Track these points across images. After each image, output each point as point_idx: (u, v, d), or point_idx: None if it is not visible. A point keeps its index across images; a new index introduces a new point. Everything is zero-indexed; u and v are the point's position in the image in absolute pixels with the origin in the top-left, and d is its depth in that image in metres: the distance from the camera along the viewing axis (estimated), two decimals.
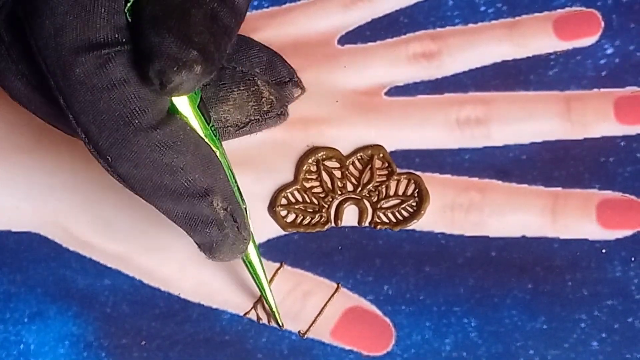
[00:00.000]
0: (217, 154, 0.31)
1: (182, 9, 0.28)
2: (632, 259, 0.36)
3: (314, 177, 0.38)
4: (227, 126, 0.36)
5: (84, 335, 0.36)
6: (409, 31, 0.40)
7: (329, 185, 0.38)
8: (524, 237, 0.37)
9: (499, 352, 0.35)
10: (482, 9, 0.40)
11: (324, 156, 0.38)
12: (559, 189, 0.37)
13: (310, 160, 0.38)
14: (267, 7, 0.41)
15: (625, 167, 0.37)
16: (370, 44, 0.40)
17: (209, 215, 0.31)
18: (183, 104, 0.30)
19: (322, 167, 0.38)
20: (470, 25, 0.40)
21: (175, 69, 0.27)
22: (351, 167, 0.38)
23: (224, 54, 0.29)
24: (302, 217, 0.38)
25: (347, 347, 0.36)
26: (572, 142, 0.38)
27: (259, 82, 0.36)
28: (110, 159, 0.29)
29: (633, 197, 0.37)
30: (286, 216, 0.38)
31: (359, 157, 0.38)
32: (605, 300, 0.36)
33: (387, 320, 0.36)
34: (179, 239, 0.37)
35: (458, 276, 0.36)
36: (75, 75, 0.28)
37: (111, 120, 0.28)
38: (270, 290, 0.35)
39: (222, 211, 0.31)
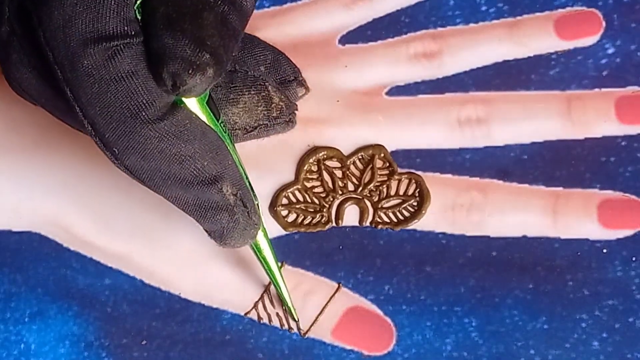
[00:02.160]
0: (230, 150, 0.31)
1: (195, 12, 0.28)
2: (633, 258, 0.36)
3: (314, 176, 0.38)
4: (236, 129, 0.36)
5: (84, 334, 0.36)
6: (410, 31, 0.40)
7: (330, 185, 0.38)
8: (524, 237, 0.37)
9: (500, 352, 0.35)
10: (483, 8, 0.40)
11: (325, 156, 0.38)
12: (560, 188, 0.37)
13: (311, 160, 0.38)
14: (268, 6, 0.41)
15: (626, 166, 0.37)
16: (371, 43, 0.40)
17: (219, 202, 0.31)
18: (191, 100, 0.30)
19: (323, 167, 0.38)
20: (471, 25, 0.40)
21: (190, 71, 0.28)
22: (352, 167, 0.38)
23: (232, 56, 0.30)
24: (303, 217, 0.38)
25: (348, 347, 0.36)
26: (573, 142, 0.38)
27: (269, 88, 0.36)
28: (117, 151, 0.29)
29: (634, 197, 0.37)
30: (287, 216, 0.38)
31: (360, 157, 0.38)
32: (606, 300, 0.36)
33: (388, 320, 0.36)
34: (180, 239, 0.37)
35: (459, 276, 0.36)
36: (83, 67, 0.28)
37: (118, 113, 0.28)
38: (283, 279, 0.35)
39: (232, 197, 0.31)
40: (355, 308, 0.36)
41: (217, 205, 0.31)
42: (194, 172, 0.30)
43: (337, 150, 0.38)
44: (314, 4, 0.41)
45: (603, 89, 0.39)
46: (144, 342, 0.36)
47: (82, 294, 0.37)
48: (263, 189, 0.38)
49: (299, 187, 0.38)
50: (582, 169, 0.37)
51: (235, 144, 0.34)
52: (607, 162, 0.38)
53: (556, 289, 0.36)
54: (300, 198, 0.38)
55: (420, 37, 0.40)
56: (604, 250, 0.36)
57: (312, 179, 0.38)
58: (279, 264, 0.35)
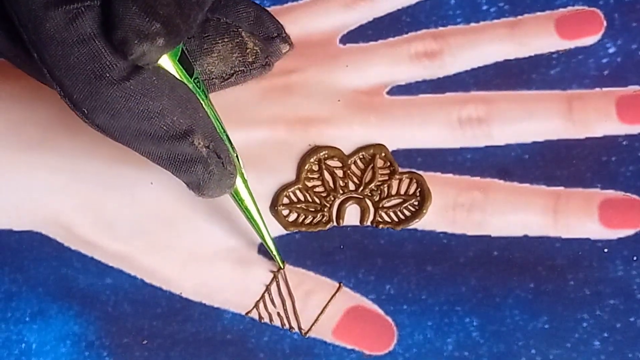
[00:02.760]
0: (203, 105, 0.32)
1: None
2: (634, 258, 0.36)
3: (315, 176, 0.38)
4: (212, 78, 0.36)
5: (85, 334, 0.36)
6: (411, 30, 0.40)
7: (331, 184, 0.38)
8: (525, 236, 0.37)
9: (501, 352, 0.35)
10: (484, 8, 0.40)
11: (326, 155, 0.38)
12: (561, 188, 0.37)
13: (312, 160, 0.38)
14: (269, 6, 0.41)
15: (627, 166, 0.37)
16: (372, 43, 0.40)
17: (192, 154, 0.31)
18: (162, 58, 0.30)
19: (324, 167, 0.38)
20: (472, 24, 0.40)
21: (136, 41, 0.28)
22: (353, 167, 0.38)
23: (194, 24, 0.30)
24: (304, 217, 0.38)
25: (349, 347, 0.36)
26: (574, 142, 0.38)
27: (243, 34, 0.36)
28: (86, 111, 0.30)
29: (635, 196, 0.37)
30: (288, 215, 0.38)
31: (361, 157, 0.38)
32: (607, 299, 0.36)
33: (389, 319, 0.36)
34: (181, 239, 0.37)
35: (460, 275, 0.36)
36: (45, 29, 0.28)
37: (83, 74, 0.29)
38: (266, 227, 0.35)
39: (204, 149, 0.31)
40: (356, 307, 0.36)
41: (191, 158, 0.31)
42: (164, 127, 0.30)
43: (338, 149, 0.38)
44: (315, 4, 0.41)
45: (604, 89, 0.39)
46: (144, 342, 0.36)
47: (83, 294, 0.37)
48: (264, 189, 0.38)
49: (300, 186, 0.38)
50: (583, 168, 0.37)
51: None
52: (608, 161, 0.38)
53: (557, 288, 0.36)
54: (301, 197, 0.38)
55: (421, 36, 0.40)
56: (605, 250, 0.36)
57: (313, 178, 0.38)
58: (260, 212, 0.35)
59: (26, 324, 0.37)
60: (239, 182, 0.34)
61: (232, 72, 0.36)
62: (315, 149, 0.38)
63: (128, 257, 0.37)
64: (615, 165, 0.37)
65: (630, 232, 0.37)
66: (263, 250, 0.37)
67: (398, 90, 0.39)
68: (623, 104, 0.38)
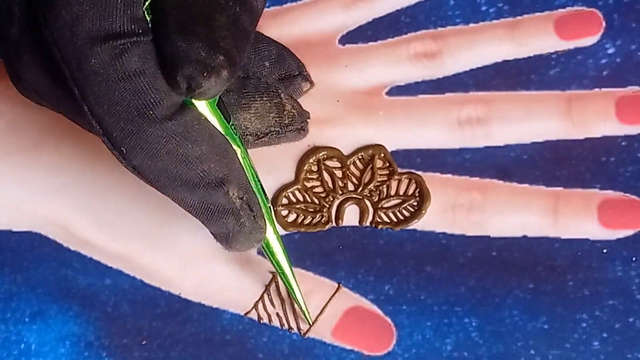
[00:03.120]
0: (238, 152, 0.31)
1: (207, 14, 0.28)
2: (633, 258, 0.36)
3: (315, 176, 0.38)
4: (247, 134, 0.36)
5: (84, 334, 0.36)
6: (410, 31, 0.40)
7: (330, 184, 0.38)
8: (525, 237, 0.37)
9: (500, 352, 0.35)
10: (483, 8, 0.40)
11: (325, 156, 0.38)
12: (560, 188, 0.37)
13: (311, 160, 0.38)
14: (269, 6, 0.41)
15: (626, 166, 0.37)
16: (371, 43, 0.40)
17: (225, 205, 0.31)
18: (201, 102, 0.30)
19: (323, 167, 0.38)
20: (472, 24, 0.40)
21: (205, 74, 0.28)
22: (352, 167, 0.38)
23: (244, 57, 0.30)
24: (303, 217, 0.38)
25: (348, 347, 0.36)
26: (574, 142, 0.38)
27: (282, 95, 0.36)
28: (124, 151, 0.29)
29: (634, 197, 0.37)
30: (287, 216, 0.38)
31: (360, 157, 0.38)
32: (607, 300, 0.36)
33: (388, 320, 0.36)
34: (180, 239, 0.37)
35: (459, 276, 0.36)
36: (90, 65, 0.28)
37: (126, 112, 0.28)
38: (297, 281, 0.35)
39: (238, 200, 0.31)
40: (356, 308, 0.36)
41: (223, 209, 0.31)
42: (201, 173, 0.30)
43: (337, 150, 0.38)
44: (314, 4, 0.41)
45: (603, 89, 0.39)
46: (144, 342, 0.36)
47: (82, 294, 0.37)
48: None
49: (299, 187, 0.38)
50: (583, 169, 0.37)
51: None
52: (607, 162, 0.38)
53: (556, 289, 0.36)
54: (301, 198, 0.38)
55: (420, 37, 0.40)
56: (604, 250, 0.36)
57: (312, 178, 0.38)
58: (292, 267, 0.35)
59: (26, 324, 0.37)
60: (270, 234, 0.33)
61: (267, 131, 0.36)
62: (315, 150, 0.38)
63: (127, 257, 0.37)
64: (614, 166, 0.37)
65: (629, 232, 0.37)
66: (262, 250, 0.37)
67: (397, 90, 0.39)
68: (622, 105, 0.38)
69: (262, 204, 0.33)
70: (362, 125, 0.39)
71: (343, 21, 0.40)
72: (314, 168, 0.38)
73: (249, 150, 0.33)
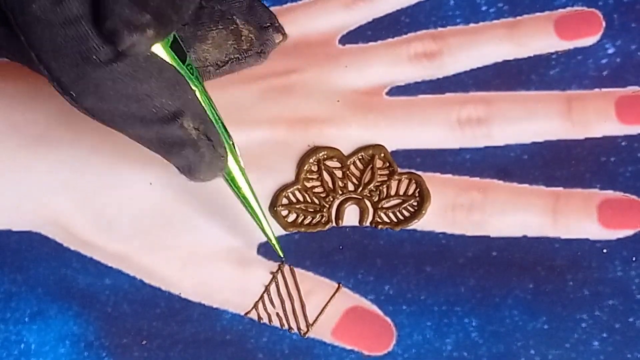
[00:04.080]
0: (197, 92, 0.31)
1: None
2: (633, 258, 0.36)
3: (315, 176, 0.38)
4: (207, 65, 0.36)
5: (84, 334, 0.36)
6: (410, 31, 0.40)
7: (330, 185, 0.38)
8: (525, 237, 0.37)
9: (500, 352, 0.35)
10: (484, 8, 0.40)
11: (325, 156, 0.38)
12: (560, 188, 0.37)
13: (311, 160, 0.38)
14: (269, 6, 0.41)
15: (626, 166, 0.37)
16: (371, 43, 0.40)
17: (182, 136, 0.31)
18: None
19: (323, 167, 0.38)
20: (472, 25, 0.40)
21: (126, 32, 0.28)
22: (352, 167, 0.38)
23: (186, 14, 0.29)
24: (303, 217, 0.38)
25: (348, 347, 0.36)
26: (574, 142, 0.38)
27: (237, 21, 0.36)
28: (74, 95, 0.29)
29: (634, 197, 0.37)
30: (287, 216, 0.38)
31: (360, 157, 0.38)
32: (606, 300, 0.36)
33: (388, 320, 0.36)
34: (180, 239, 0.37)
35: (459, 276, 0.36)
36: (31, 11, 0.28)
37: (70, 57, 0.28)
38: (265, 215, 0.35)
39: (194, 131, 0.31)
40: (356, 308, 0.36)
41: (181, 140, 0.31)
42: (153, 109, 0.30)
43: (337, 150, 0.38)
44: (314, 4, 0.41)
45: (603, 89, 0.39)
46: (144, 342, 0.36)
47: (82, 294, 0.37)
48: (263, 189, 0.38)
49: (299, 187, 0.38)
50: (582, 169, 0.37)
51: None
52: (607, 162, 0.38)
53: (556, 289, 0.36)
54: (301, 198, 0.38)
55: (420, 37, 0.40)
56: (604, 250, 0.36)
57: (312, 179, 0.38)
58: (257, 199, 0.35)
59: (25, 324, 0.37)
60: (236, 170, 0.34)
61: (226, 59, 0.36)
62: (315, 150, 0.38)
63: (127, 257, 0.37)
64: (614, 166, 0.37)
65: (629, 232, 0.37)
66: (262, 250, 0.37)
67: (397, 90, 0.39)
68: (622, 105, 0.38)
69: (221, 136, 0.32)
70: (362, 126, 0.39)
71: (343, 21, 0.40)
72: (314, 168, 0.38)
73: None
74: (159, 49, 0.30)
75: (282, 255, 0.36)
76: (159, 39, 0.28)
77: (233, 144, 0.34)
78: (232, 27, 0.36)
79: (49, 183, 0.38)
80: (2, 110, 0.39)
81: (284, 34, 0.38)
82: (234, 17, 0.36)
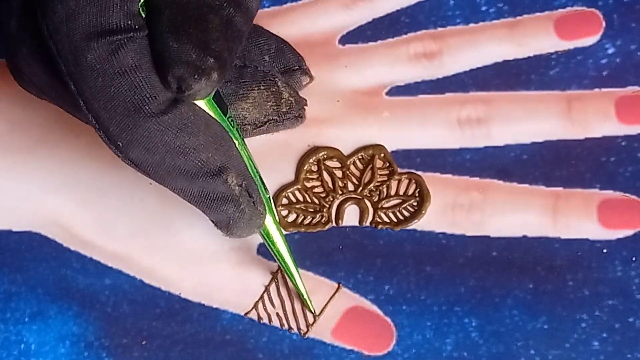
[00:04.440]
0: (236, 143, 0.32)
1: (200, 15, 0.29)
2: (633, 258, 0.36)
3: (314, 176, 0.38)
4: (245, 124, 0.36)
5: (84, 334, 0.36)
6: (410, 31, 0.40)
7: (330, 185, 0.38)
8: (525, 237, 0.37)
9: (500, 352, 0.35)
10: (483, 8, 0.40)
11: (325, 156, 0.38)
12: (560, 188, 0.37)
13: (311, 160, 0.38)
14: (268, 6, 0.41)
15: (626, 167, 0.37)
16: (371, 43, 0.40)
17: (224, 192, 0.31)
18: None
19: (323, 167, 0.38)
20: (471, 25, 0.40)
21: (195, 76, 0.28)
22: (352, 167, 0.38)
23: (235, 57, 0.30)
24: (303, 217, 0.38)
25: (348, 347, 0.36)
26: (573, 142, 0.38)
27: (279, 83, 0.36)
28: (121, 145, 0.29)
29: (634, 197, 0.37)
30: (287, 216, 0.38)
31: (360, 157, 0.38)
32: (606, 300, 0.36)
33: (388, 319, 0.36)
34: (180, 239, 0.37)
35: (459, 276, 0.36)
36: (86, 61, 0.28)
37: (122, 106, 0.29)
38: (297, 269, 0.35)
39: (237, 187, 0.31)
40: (356, 308, 0.36)
41: (223, 196, 0.31)
42: (199, 163, 0.30)
43: (337, 150, 0.38)
44: (314, 4, 0.41)
45: (603, 89, 0.39)
46: (144, 342, 0.36)
47: (82, 294, 0.37)
48: None
49: (299, 187, 0.38)
50: (582, 169, 0.37)
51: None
52: (607, 162, 0.38)
53: (556, 289, 0.36)
54: (300, 198, 0.38)
55: (420, 37, 0.40)
56: (604, 250, 0.36)
57: (312, 179, 0.38)
58: (292, 256, 0.35)
59: (25, 324, 0.37)
60: (271, 225, 0.34)
61: (265, 120, 0.37)
62: (315, 150, 0.38)
63: (127, 257, 0.37)
64: (614, 166, 0.37)
65: (629, 232, 0.37)
66: (262, 250, 0.37)
67: (397, 90, 0.39)
68: (622, 105, 0.38)
69: (260, 192, 0.33)
70: (362, 125, 0.39)
71: (343, 21, 0.40)
72: (314, 168, 0.38)
73: (248, 140, 0.34)
74: (202, 103, 0.31)
75: (314, 311, 0.36)
76: (221, 82, 0.29)
77: (269, 197, 0.34)
78: (274, 89, 0.36)
79: (48, 183, 0.38)
80: (2, 111, 0.39)
81: (311, 77, 0.38)
82: (276, 79, 0.36)
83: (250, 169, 0.32)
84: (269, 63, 0.37)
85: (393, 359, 0.36)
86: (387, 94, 0.39)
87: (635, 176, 0.37)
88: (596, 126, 0.38)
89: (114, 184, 0.38)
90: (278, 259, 0.35)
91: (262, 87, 0.36)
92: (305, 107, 0.38)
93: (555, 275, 0.36)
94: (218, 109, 0.31)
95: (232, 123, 0.32)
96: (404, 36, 0.40)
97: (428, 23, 0.40)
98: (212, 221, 0.33)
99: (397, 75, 0.39)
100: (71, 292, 0.37)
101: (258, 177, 0.33)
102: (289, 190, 0.38)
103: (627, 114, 0.38)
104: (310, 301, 0.36)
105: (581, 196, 0.37)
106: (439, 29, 0.40)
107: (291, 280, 0.35)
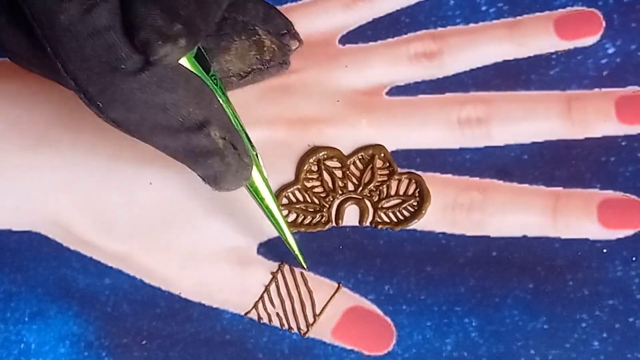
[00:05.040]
0: (220, 100, 0.31)
1: None
2: (633, 258, 0.36)
3: (315, 176, 0.38)
4: (230, 76, 0.36)
5: (84, 334, 0.36)
6: (410, 31, 0.40)
7: (330, 184, 0.38)
8: (525, 236, 0.37)
9: (500, 352, 0.35)
10: (483, 8, 0.40)
11: (325, 156, 0.38)
12: (560, 188, 0.37)
13: (311, 160, 0.38)
14: None
15: (626, 166, 0.37)
16: (371, 43, 0.40)
17: (208, 146, 0.31)
18: None
19: (323, 167, 0.38)
20: (472, 25, 0.40)
21: (159, 42, 0.28)
22: (352, 167, 0.38)
23: (212, 23, 0.30)
24: (303, 217, 0.38)
25: (348, 347, 0.36)
26: (573, 142, 0.38)
27: (260, 32, 0.36)
28: (101, 105, 0.29)
29: (634, 196, 0.37)
30: (287, 216, 0.38)
31: (360, 157, 0.38)
32: (606, 300, 0.36)
33: (388, 319, 0.36)
34: (180, 239, 0.37)
35: (459, 276, 0.36)
36: (60, 22, 0.28)
37: (98, 67, 0.29)
38: (286, 222, 0.35)
39: (220, 140, 0.31)
40: (356, 308, 0.36)
41: (207, 150, 0.31)
42: (180, 119, 0.30)
43: (337, 150, 0.38)
44: (314, 4, 0.41)
45: (603, 89, 0.39)
46: (144, 342, 0.36)
47: (82, 294, 0.37)
48: None
49: (299, 187, 0.38)
50: (582, 168, 0.37)
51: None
52: (607, 162, 0.38)
53: (556, 288, 0.36)
54: (300, 198, 0.38)
55: (420, 37, 0.40)
56: (604, 250, 0.36)
57: (312, 178, 0.38)
58: (281, 211, 0.35)
59: (25, 324, 0.37)
60: (259, 180, 0.34)
61: (249, 69, 0.37)
62: (315, 150, 0.38)
63: (127, 257, 0.37)
64: (614, 166, 0.37)
65: (629, 232, 0.37)
66: (262, 250, 0.37)
67: (397, 90, 0.39)
68: (622, 105, 0.38)
69: (246, 145, 0.33)
70: (362, 125, 0.39)
71: (343, 21, 0.40)
72: (314, 168, 0.38)
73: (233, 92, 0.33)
74: (184, 60, 0.31)
75: (305, 266, 0.36)
76: (190, 48, 0.29)
77: (256, 154, 0.34)
78: (255, 38, 0.36)
79: (48, 183, 0.38)
80: (2, 110, 0.39)
81: (300, 41, 0.38)
82: (256, 27, 0.36)
83: (234, 123, 0.32)
84: (249, 11, 0.37)
85: (393, 359, 0.36)
86: (387, 94, 0.39)
87: (635, 176, 0.37)
88: (596, 126, 0.38)
89: (114, 183, 0.38)
90: (266, 214, 0.35)
91: (244, 37, 0.36)
92: (289, 53, 0.37)
93: (555, 275, 0.36)
94: (200, 68, 0.31)
95: (215, 81, 0.32)
96: (404, 36, 0.40)
97: (428, 23, 0.40)
98: (200, 176, 0.32)
99: (397, 75, 0.39)
100: (71, 292, 0.37)
101: (244, 133, 0.33)
102: (289, 190, 0.38)
103: (627, 114, 0.38)
104: (303, 256, 0.36)
105: (581, 196, 0.37)
106: (439, 29, 0.40)
107: (281, 235, 0.35)
